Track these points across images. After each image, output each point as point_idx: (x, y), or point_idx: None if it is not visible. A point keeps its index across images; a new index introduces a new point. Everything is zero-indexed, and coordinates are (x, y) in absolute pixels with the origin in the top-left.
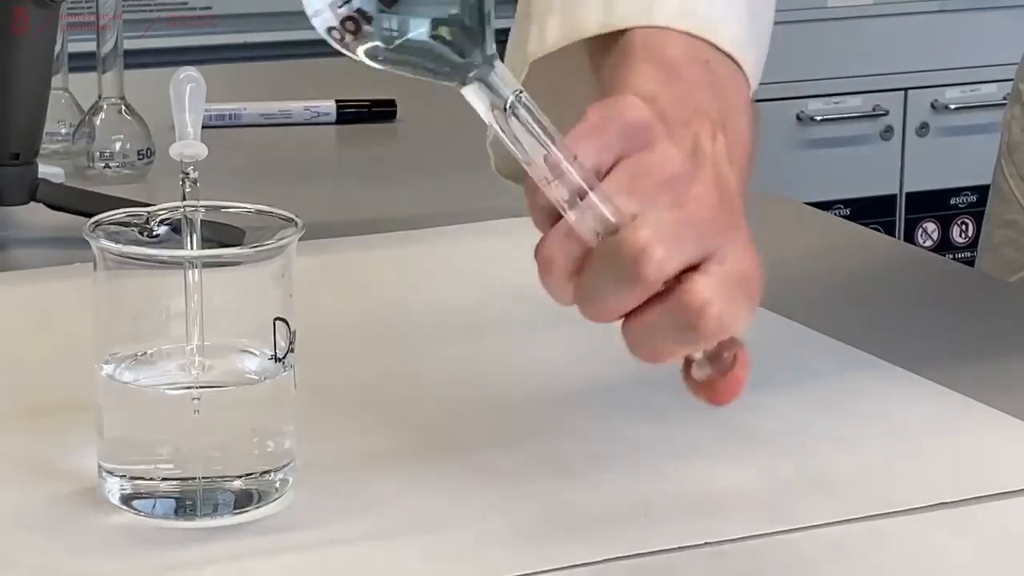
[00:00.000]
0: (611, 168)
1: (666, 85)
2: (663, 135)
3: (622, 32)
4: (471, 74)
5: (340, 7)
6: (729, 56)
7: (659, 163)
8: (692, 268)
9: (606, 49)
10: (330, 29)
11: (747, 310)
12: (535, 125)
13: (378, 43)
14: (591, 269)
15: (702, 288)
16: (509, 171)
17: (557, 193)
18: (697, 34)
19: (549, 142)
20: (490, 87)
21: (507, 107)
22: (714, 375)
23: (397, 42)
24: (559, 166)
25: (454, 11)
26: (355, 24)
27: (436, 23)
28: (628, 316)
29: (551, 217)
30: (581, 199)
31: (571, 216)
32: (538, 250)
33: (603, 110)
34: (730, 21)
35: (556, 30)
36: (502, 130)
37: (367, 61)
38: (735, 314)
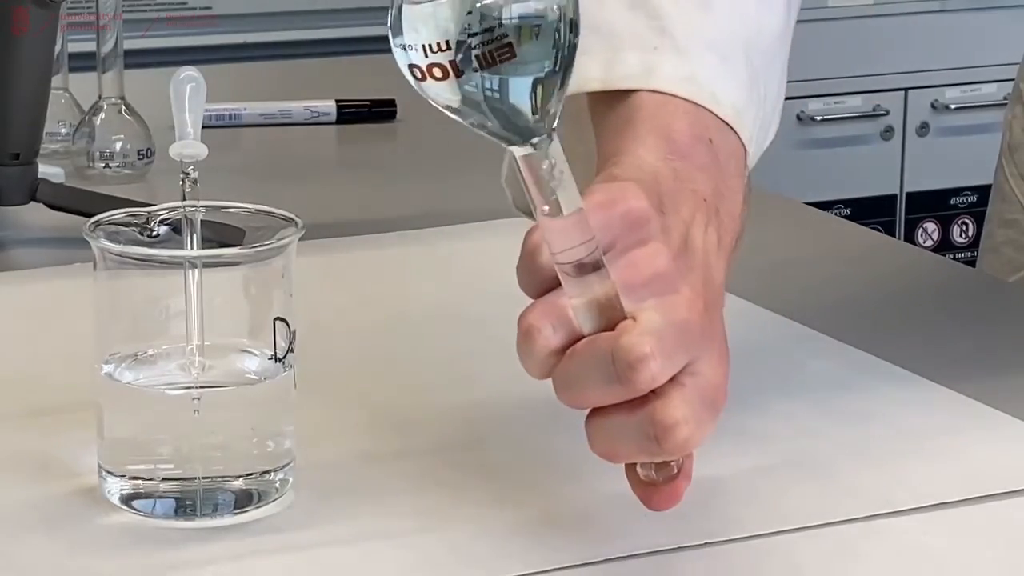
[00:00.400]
0: (605, 251)
1: (670, 163)
2: (657, 232)
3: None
4: (533, 140)
5: (434, 52)
6: (727, 123)
7: (648, 259)
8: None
9: (607, 102)
10: (412, 67)
11: (711, 428)
12: (570, 195)
13: (460, 97)
14: (580, 358)
15: (675, 408)
16: (527, 207)
17: (568, 258)
18: (697, 101)
19: (579, 213)
20: (543, 154)
21: (551, 176)
22: (656, 479)
23: (481, 101)
24: (583, 238)
25: (543, 81)
26: (443, 72)
27: (524, 92)
28: (596, 411)
29: (542, 284)
30: (586, 274)
31: (573, 287)
32: (523, 317)
33: (608, 192)
34: (729, 88)
35: None
36: (533, 192)
37: (439, 106)
38: (701, 435)
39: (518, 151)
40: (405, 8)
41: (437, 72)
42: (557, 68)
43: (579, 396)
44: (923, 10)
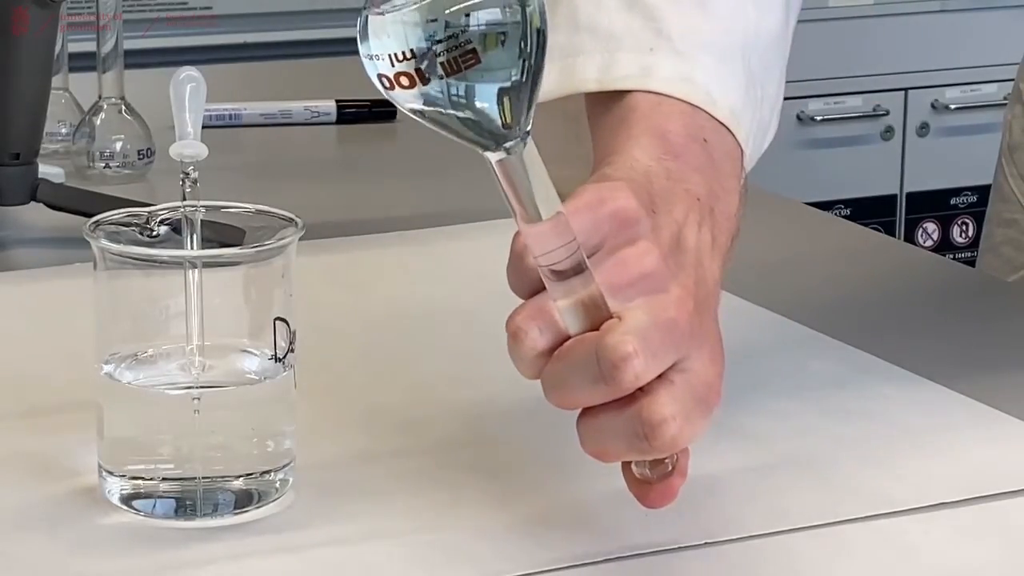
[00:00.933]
0: (594, 251)
1: (663, 163)
2: (647, 232)
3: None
4: (506, 145)
5: (400, 61)
6: (723, 124)
7: (637, 258)
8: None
9: (603, 103)
10: (380, 76)
11: (703, 426)
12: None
13: (428, 104)
14: (566, 359)
15: (662, 405)
16: None
17: (547, 261)
18: (693, 102)
19: (556, 217)
20: (517, 159)
21: (527, 180)
22: (651, 477)
23: (448, 107)
24: (562, 242)
25: (509, 88)
26: (410, 80)
27: (491, 97)
28: (586, 410)
29: (531, 286)
30: (568, 277)
31: (556, 289)
32: (510, 319)
33: (597, 192)
34: (728, 88)
35: (553, 80)
36: (510, 197)
37: (410, 114)
38: (691, 432)
39: (492, 156)
40: (371, 18)
41: (404, 80)
42: (525, 76)
43: (567, 397)
44: (923, 10)
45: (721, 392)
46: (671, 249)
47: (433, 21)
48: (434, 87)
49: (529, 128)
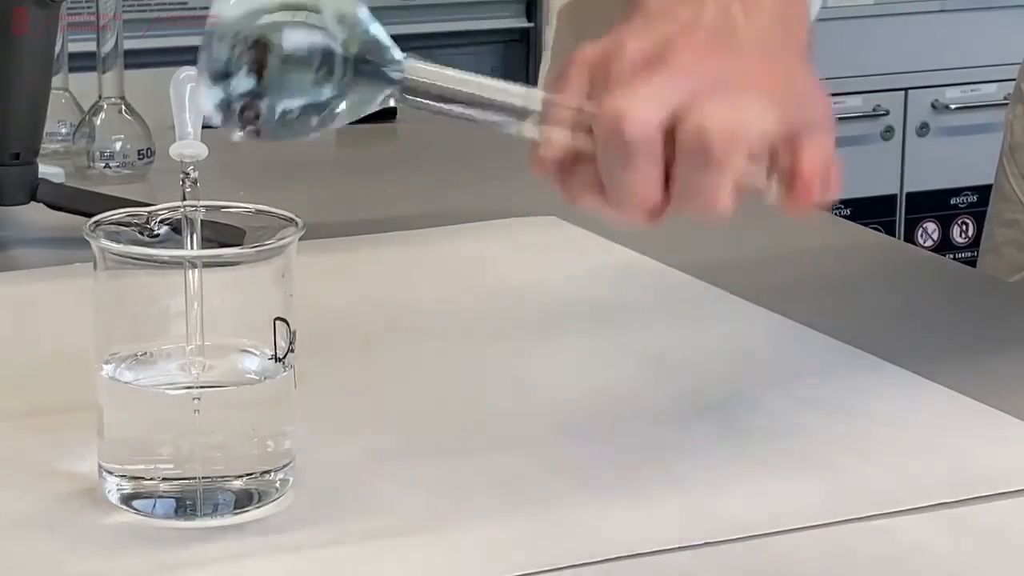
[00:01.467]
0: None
1: None
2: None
3: None
4: (385, 94)
5: (232, 108)
6: None
7: (613, 57)
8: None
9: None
10: (240, 130)
11: (753, 112)
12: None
13: (290, 115)
14: (598, 162)
15: (696, 120)
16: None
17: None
18: None
19: (481, 82)
20: (411, 86)
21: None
22: (781, 190)
23: (285, 116)
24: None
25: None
26: (249, 108)
27: (309, 76)
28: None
29: (555, 168)
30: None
31: (550, 130)
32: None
33: (553, 75)
34: None
35: None
36: (465, 109)
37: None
38: (740, 121)
39: (395, 101)
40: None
41: (248, 113)
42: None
43: (627, 198)
44: (923, 10)
45: (759, 79)
46: (661, 41)
47: (221, 41)
48: (265, 101)
49: (400, 57)
